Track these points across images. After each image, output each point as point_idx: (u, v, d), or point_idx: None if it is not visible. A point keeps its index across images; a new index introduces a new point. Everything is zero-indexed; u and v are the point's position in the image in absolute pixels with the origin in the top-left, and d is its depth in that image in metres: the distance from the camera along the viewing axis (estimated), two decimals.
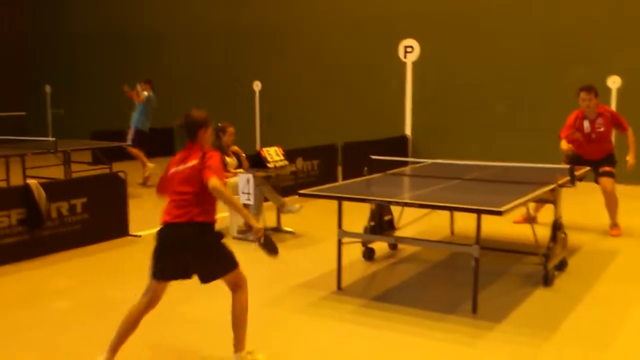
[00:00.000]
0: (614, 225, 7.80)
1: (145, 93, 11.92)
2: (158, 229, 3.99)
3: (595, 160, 7.71)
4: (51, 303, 5.49)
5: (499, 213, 4.67)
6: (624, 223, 7.82)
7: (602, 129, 7.71)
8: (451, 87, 12.85)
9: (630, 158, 7.69)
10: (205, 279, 3.99)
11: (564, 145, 7.61)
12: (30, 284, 6.07)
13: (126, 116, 11.93)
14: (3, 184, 10.07)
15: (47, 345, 4.59)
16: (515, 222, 8.02)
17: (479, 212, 4.82)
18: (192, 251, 3.93)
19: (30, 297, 5.66)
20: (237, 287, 4.03)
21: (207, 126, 4.13)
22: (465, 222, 6.69)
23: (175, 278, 4.03)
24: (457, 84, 12.78)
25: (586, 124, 7.72)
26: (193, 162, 3.99)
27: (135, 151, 11.87)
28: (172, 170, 4.09)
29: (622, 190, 8.07)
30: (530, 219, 7.13)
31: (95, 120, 17.42)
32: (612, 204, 7.77)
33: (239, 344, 4.03)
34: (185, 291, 4.57)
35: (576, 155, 7.82)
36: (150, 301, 4.05)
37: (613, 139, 8.09)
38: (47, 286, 6.00)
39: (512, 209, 4.90)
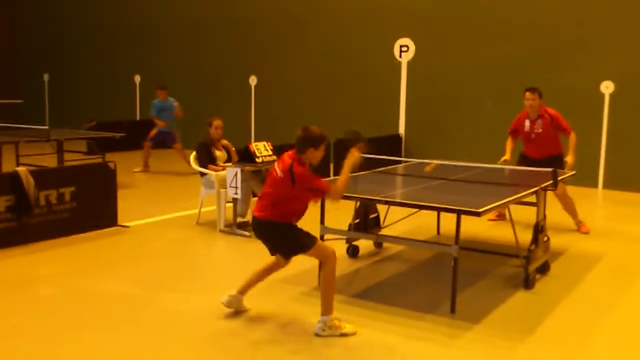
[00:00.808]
0: (579, 222, 8.01)
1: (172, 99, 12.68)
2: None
3: (537, 159, 7.81)
4: (37, 290, 5.54)
5: (478, 214, 4.73)
6: (610, 228, 7.87)
7: (540, 130, 7.92)
8: (446, 87, 12.86)
9: (569, 159, 7.83)
10: (285, 257, 4.87)
11: (509, 145, 8.01)
12: (17, 270, 6.12)
13: (124, 107, 11.93)
14: None
15: (31, 331, 4.64)
16: (489, 220, 8.25)
17: (458, 213, 4.87)
18: (267, 240, 4.78)
19: (16, 284, 5.71)
20: (322, 261, 4.68)
21: (317, 146, 4.64)
22: (451, 223, 6.72)
23: (273, 254, 4.89)
24: (452, 84, 12.80)
25: (527, 123, 7.99)
26: (281, 172, 4.59)
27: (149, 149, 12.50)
28: (271, 171, 4.78)
29: (606, 195, 8.13)
30: (502, 216, 7.90)
31: (94, 110, 17.44)
32: (568, 206, 7.99)
33: (325, 309, 4.62)
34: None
35: (523, 155, 8.16)
36: (273, 266, 4.95)
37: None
38: (33, 273, 6.04)
39: (490, 210, 4.95)
